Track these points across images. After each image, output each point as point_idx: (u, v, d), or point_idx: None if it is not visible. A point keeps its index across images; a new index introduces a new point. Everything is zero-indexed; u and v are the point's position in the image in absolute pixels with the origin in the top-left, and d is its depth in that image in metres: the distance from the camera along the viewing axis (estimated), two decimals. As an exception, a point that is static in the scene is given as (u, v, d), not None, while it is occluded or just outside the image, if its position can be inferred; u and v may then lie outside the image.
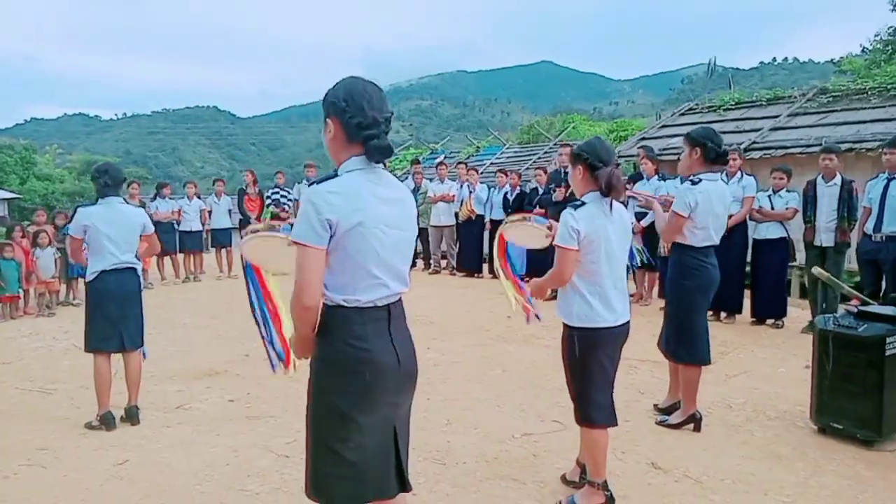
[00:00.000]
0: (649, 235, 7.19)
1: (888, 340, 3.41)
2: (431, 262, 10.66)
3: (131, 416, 4.16)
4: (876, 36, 21.04)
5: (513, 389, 4.76)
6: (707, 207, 3.69)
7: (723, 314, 6.71)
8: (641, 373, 5.09)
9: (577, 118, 24.86)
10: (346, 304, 1.90)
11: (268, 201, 10.81)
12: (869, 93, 11.07)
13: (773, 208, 6.50)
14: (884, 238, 5.64)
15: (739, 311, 6.73)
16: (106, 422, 4.05)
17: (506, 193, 9.47)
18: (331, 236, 1.85)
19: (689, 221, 3.70)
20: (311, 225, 1.83)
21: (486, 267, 10.09)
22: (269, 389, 4.86)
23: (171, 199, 10.45)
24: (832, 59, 23.40)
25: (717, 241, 3.82)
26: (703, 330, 3.81)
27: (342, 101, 1.92)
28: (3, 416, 4.34)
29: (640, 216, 7.33)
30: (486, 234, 9.91)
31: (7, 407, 4.53)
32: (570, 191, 7.49)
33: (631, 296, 8.08)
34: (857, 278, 6.56)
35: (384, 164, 1.99)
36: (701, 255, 3.75)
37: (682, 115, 14.53)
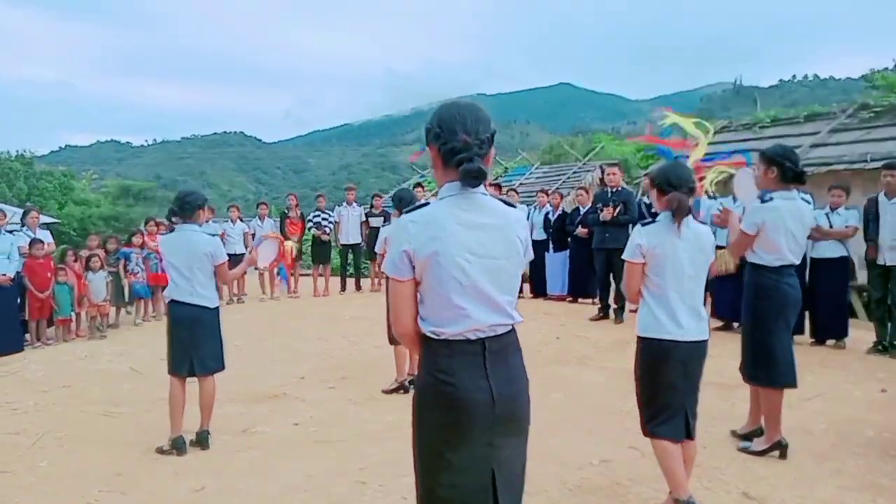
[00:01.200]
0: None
1: None
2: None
3: (202, 440, 4.15)
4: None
5: (578, 414, 4.67)
6: (778, 226, 3.65)
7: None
8: (708, 396, 4.89)
9: (605, 138, 24.86)
10: (434, 336, 1.85)
11: (309, 224, 10.90)
12: (914, 108, 10.87)
13: (831, 226, 6.36)
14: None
15: (801, 332, 6.57)
16: (177, 446, 4.05)
17: (547, 213, 9.43)
18: (413, 267, 1.83)
19: (758, 240, 3.67)
20: (392, 257, 1.84)
21: (526, 287, 10.02)
22: (332, 414, 4.83)
23: (214, 222, 10.57)
24: (863, 75, 23.09)
25: (794, 260, 3.75)
26: (786, 351, 3.71)
27: (436, 127, 1.87)
28: (76, 440, 4.37)
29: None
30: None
31: (78, 430, 4.55)
32: (617, 210, 7.44)
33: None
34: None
35: (484, 188, 1.90)
36: (776, 274, 3.68)
37: (717, 132, 14.40)
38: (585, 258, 8.71)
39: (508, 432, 1.88)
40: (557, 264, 9.22)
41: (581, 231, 8.67)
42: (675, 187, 2.91)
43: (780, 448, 3.70)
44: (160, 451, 4.08)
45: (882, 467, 3.59)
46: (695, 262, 2.94)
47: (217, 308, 4.25)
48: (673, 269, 2.90)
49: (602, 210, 7.49)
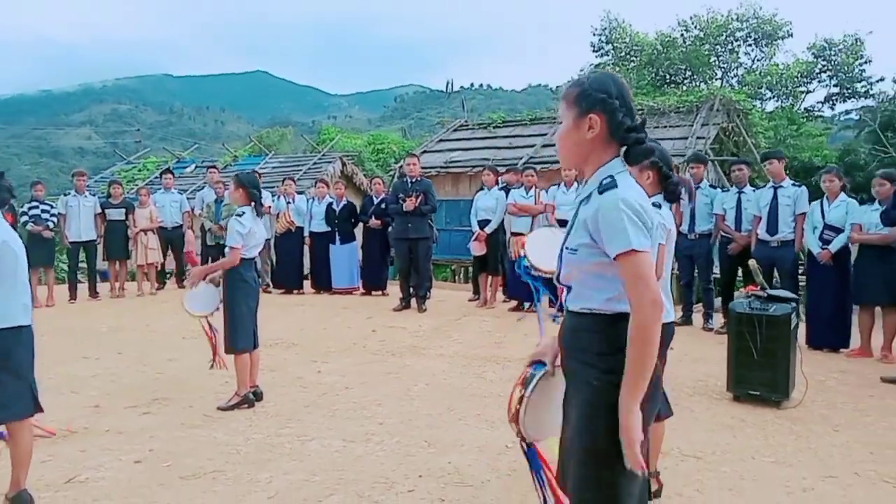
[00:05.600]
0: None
1: (792, 317, 4.22)
2: (242, 280, 9.73)
3: (25, 504, 3.07)
4: (581, 71, 25.17)
5: (454, 401, 4.65)
6: None
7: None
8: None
9: (332, 130, 24.97)
10: (627, 311, 1.78)
11: (24, 218, 8.74)
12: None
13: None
14: (697, 236, 6.85)
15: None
16: (-13, 521, 2.93)
17: (331, 204, 9.11)
18: None
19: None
20: (642, 230, 1.70)
21: (306, 283, 9.58)
22: (175, 442, 3.99)
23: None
24: (549, 88, 27.29)
25: None
26: None
27: (614, 97, 1.77)
28: None
29: (483, 223, 7.73)
30: (307, 249, 9.42)
31: None
32: (419, 200, 7.56)
33: (472, 300, 8.43)
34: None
35: None
36: None
37: (456, 130, 15.66)
38: (378, 249, 8.70)
39: None
40: (344, 256, 8.99)
41: (374, 222, 8.63)
42: (671, 171, 3.00)
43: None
44: (-44, 534, 2.90)
45: (719, 410, 4.36)
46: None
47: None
48: (670, 253, 2.99)
49: (404, 200, 7.52)
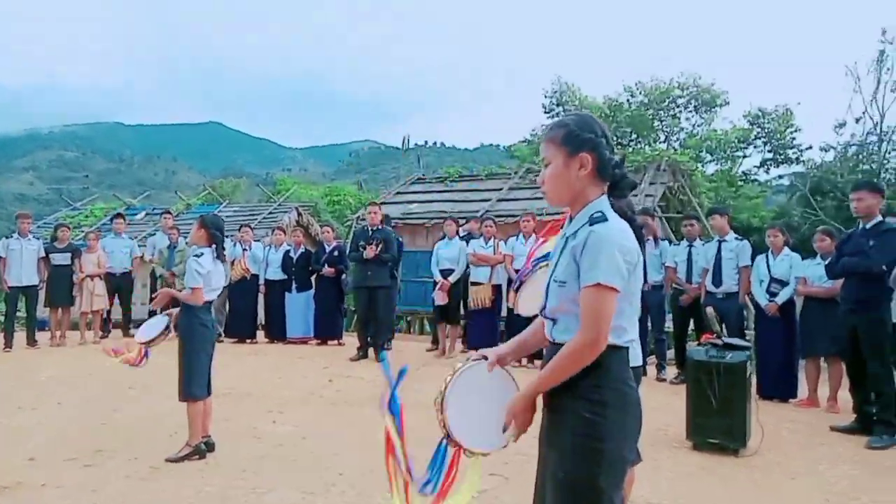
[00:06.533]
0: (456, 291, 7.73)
1: (747, 365, 4.33)
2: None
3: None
4: (533, 131, 26.02)
5: (416, 451, 4.53)
6: None
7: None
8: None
9: (289, 182, 24.96)
10: (621, 345, 1.83)
11: (-41, 262, 8.33)
12: (566, 174, 13.66)
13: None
14: (649, 287, 7.02)
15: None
16: None
17: (288, 251, 9.01)
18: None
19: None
20: (619, 268, 1.76)
21: (260, 333, 9.35)
22: (121, 496, 3.79)
23: None
24: (507, 147, 28.02)
25: None
26: None
27: (600, 136, 1.87)
28: None
29: (445, 273, 7.75)
30: (261, 298, 9.23)
31: None
32: (379, 248, 7.56)
33: (431, 350, 8.36)
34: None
35: None
36: None
37: (413, 183, 15.84)
38: (332, 298, 8.60)
39: None
40: (300, 305, 8.83)
41: (327, 270, 8.55)
42: (634, 215, 3.07)
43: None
44: None
45: (680, 458, 4.38)
46: None
47: None
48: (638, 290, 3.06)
49: (364, 248, 7.49)
